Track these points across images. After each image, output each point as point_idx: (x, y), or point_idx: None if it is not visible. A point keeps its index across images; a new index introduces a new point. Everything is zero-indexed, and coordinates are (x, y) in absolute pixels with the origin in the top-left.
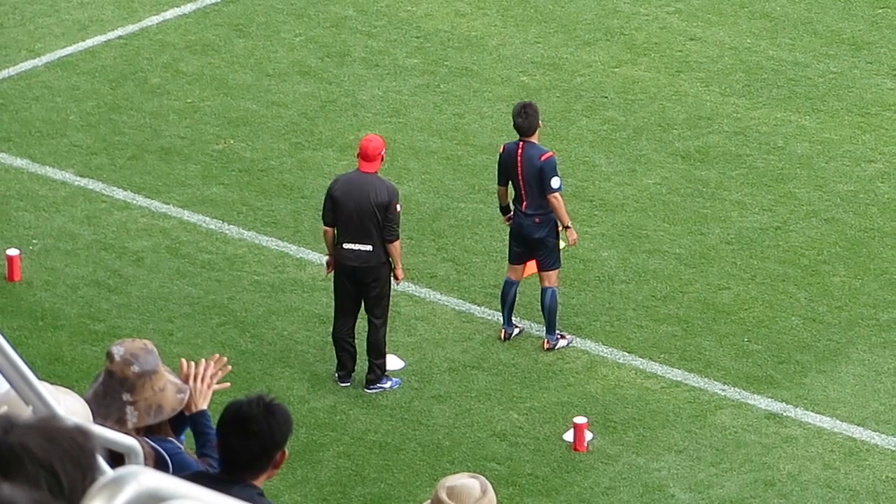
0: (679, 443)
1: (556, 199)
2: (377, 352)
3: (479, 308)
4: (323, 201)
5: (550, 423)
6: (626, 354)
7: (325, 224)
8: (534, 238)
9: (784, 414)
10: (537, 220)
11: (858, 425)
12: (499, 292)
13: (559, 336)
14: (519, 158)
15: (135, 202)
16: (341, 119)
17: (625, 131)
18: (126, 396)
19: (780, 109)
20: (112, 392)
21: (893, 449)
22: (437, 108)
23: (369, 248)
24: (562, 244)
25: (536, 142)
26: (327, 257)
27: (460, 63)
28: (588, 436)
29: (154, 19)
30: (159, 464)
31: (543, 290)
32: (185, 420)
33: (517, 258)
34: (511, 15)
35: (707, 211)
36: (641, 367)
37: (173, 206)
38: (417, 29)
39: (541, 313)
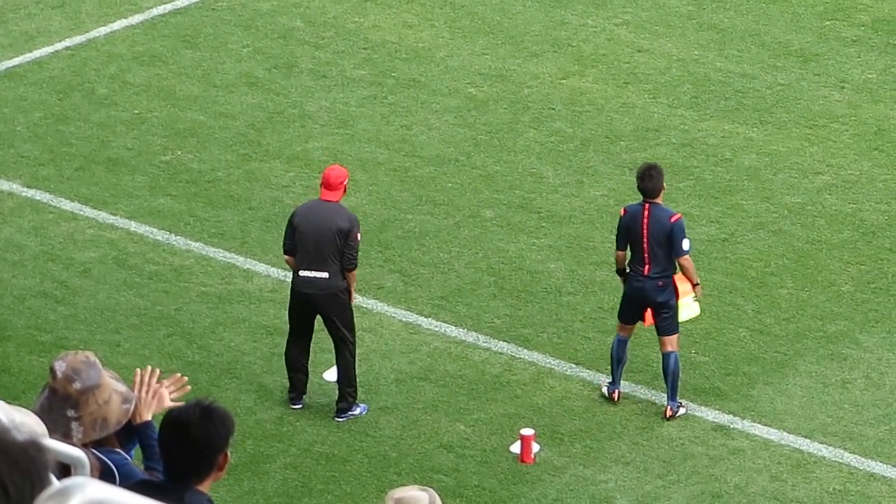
0: (626, 455)
1: (688, 261)
2: (348, 380)
3: (426, 319)
4: (284, 229)
5: (497, 435)
6: (574, 366)
7: (285, 252)
8: (657, 301)
9: (731, 426)
10: (660, 283)
11: (805, 437)
12: (445, 303)
13: (679, 404)
14: (645, 221)
15: (82, 213)
16: (289, 130)
17: (572, 143)
18: (70, 412)
19: (728, 121)
20: (56, 408)
21: (840, 461)
22: (385, 119)
23: (326, 275)
24: (685, 313)
25: (662, 202)
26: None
27: (408, 74)
28: (535, 447)
29: (101, 30)
30: (105, 475)
31: (666, 356)
32: (134, 432)
33: (631, 319)
34: (458, 26)
35: None
36: (589, 378)
37: (120, 218)
38: (365, 40)
39: (662, 378)
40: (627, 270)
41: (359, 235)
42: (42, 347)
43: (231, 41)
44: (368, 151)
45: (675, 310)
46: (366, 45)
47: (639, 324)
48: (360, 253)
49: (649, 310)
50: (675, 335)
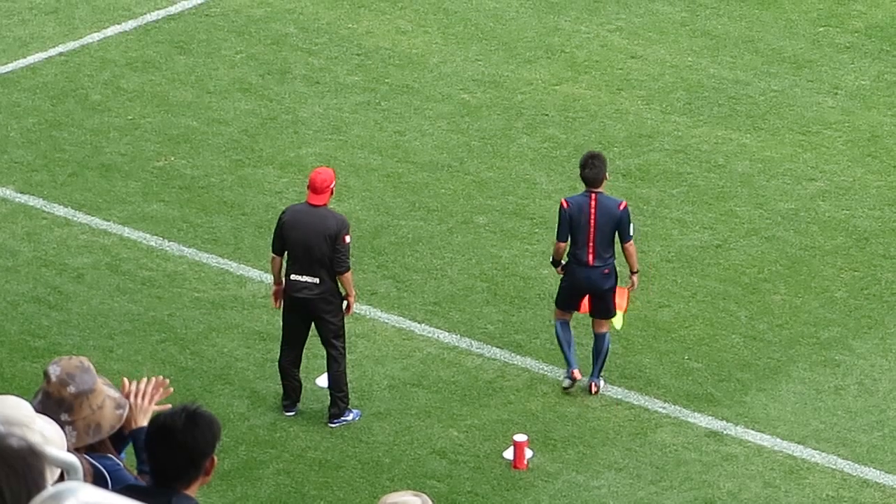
0: (619, 461)
1: (633, 246)
2: (338, 385)
3: (419, 325)
4: (273, 231)
5: (490, 441)
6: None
7: (273, 252)
8: (603, 289)
9: (724, 432)
10: (606, 270)
11: (799, 443)
12: (439, 309)
13: (603, 380)
14: (593, 211)
15: (75, 219)
16: (282, 136)
17: (565, 149)
18: (64, 417)
19: (721, 128)
20: (50, 412)
21: (833, 467)
22: (378, 125)
23: (317, 280)
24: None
25: (604, 192)
26: (274, 287)
27: (401, 80)
28: (528, 453)
29: (95, 36)
30: (98, 480)
31: (601, 337)
32: (125, 437)
33: (572, 306)
34: (452, 32)
35: (647, 229)
36: (582, 384)
37: (114, 223)
38: (358, 46)
39: (590, 357)
40: (565, 261)
41: (347, 238)
42: (35, 353)
43: (224, 47)
44: (362, 157)
45: (614, 294)
46: (359, 52)
47: (633, 327)
48: (352, 258)
49: (587, 297)
50: (611, 317)
